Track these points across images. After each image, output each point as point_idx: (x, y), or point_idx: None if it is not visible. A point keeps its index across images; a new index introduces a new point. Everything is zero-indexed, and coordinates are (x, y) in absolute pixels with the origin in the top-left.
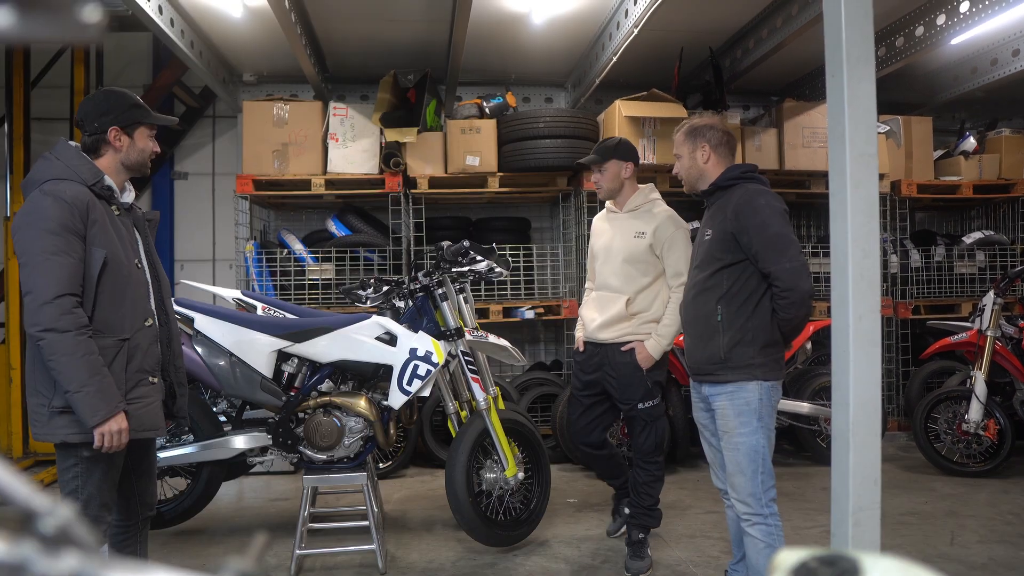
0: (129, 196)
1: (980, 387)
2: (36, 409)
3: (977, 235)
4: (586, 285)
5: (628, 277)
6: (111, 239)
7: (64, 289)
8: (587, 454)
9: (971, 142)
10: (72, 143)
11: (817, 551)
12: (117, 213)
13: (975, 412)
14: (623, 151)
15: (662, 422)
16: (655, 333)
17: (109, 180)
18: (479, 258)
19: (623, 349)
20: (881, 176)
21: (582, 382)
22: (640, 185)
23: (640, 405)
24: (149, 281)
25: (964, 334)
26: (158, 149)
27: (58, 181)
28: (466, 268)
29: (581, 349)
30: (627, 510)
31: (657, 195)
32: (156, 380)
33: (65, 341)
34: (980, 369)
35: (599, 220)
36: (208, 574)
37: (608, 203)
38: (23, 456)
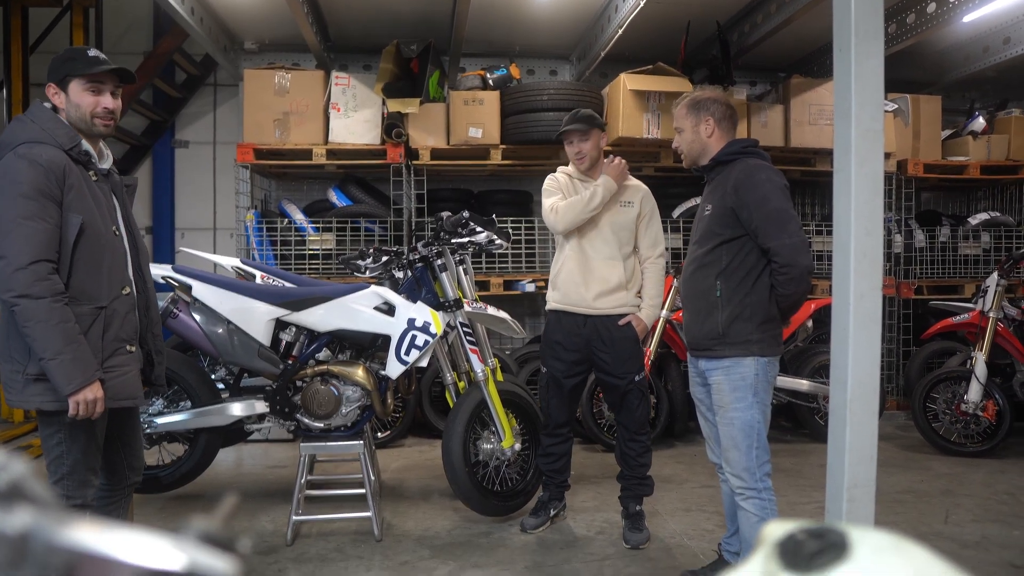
0: (107, 161)
1: (980, 368)
2: (10, 376)
3: (983, 216)
4: (556, 204)
5: (618, 245)
6: (88, 205)
7: (39, 255)
8: (558, 441)
9: (980, 122)
10: (47, 104)
11: (806, 523)
12: (95, 179)
13: (975, 393)
14: (599, 122)
15: (648, 391)
16: (646, 304)
17: (87, 145)
18: (479, 229)
19: (620, 323)
20: (887, 155)
21: (567, 363)
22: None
23: (636, 378)
24: (127, 248)
25: (966, 315)
26: (108, 104)
27: (33, 144)
28: (465, 239)
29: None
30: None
31: None
32: (134, 349)
33: (40, 308)
34: (981, 350)
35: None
36: (171, 534)
37: (573, 171)
38: (24, 420)
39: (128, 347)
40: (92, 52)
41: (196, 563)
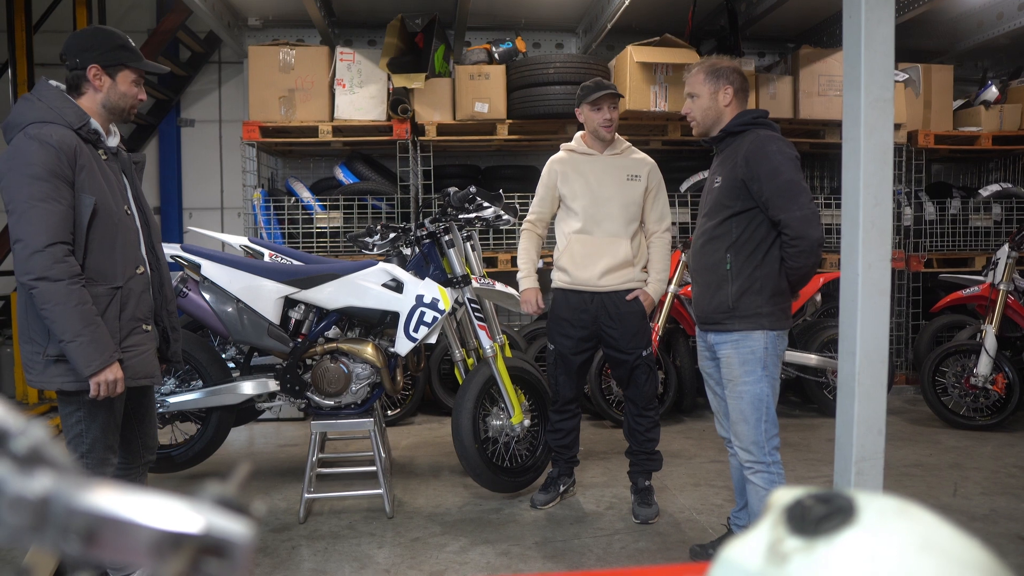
0: (115, 139)
1: (990, 341)
2: (31, 357)
3: (994, 188)
4: (526, 225)
5: (626, 221)
6: (100, 185)
7: (55, 237)
8: (566, 417)
9: (993, 91)
10: (53, 83)
11: (813, 489)
12: (104, 158)
13: (984, 366)
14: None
15: (656, 366)
16: (653, 278)
17: (95, 124)
18: (486, 204)
19: (628, 298)
20: (898, 126)
21: (574, 340)
22: None
23: (644, 353)
24: (139, 227)
25: (976, 288)
26: (143, 96)
27: (43, 124)
28: (473, 215)
29: (541, 305)
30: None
31: (628, 142)
32: (149, 328)
33: (58, 290)
34: (991, 323)
35: (563, 164)
36: (186, 498)
37: (577, 143)
38: (39, 402)
39: (144, 326)
40: (132, 42)
41: (213, 526)
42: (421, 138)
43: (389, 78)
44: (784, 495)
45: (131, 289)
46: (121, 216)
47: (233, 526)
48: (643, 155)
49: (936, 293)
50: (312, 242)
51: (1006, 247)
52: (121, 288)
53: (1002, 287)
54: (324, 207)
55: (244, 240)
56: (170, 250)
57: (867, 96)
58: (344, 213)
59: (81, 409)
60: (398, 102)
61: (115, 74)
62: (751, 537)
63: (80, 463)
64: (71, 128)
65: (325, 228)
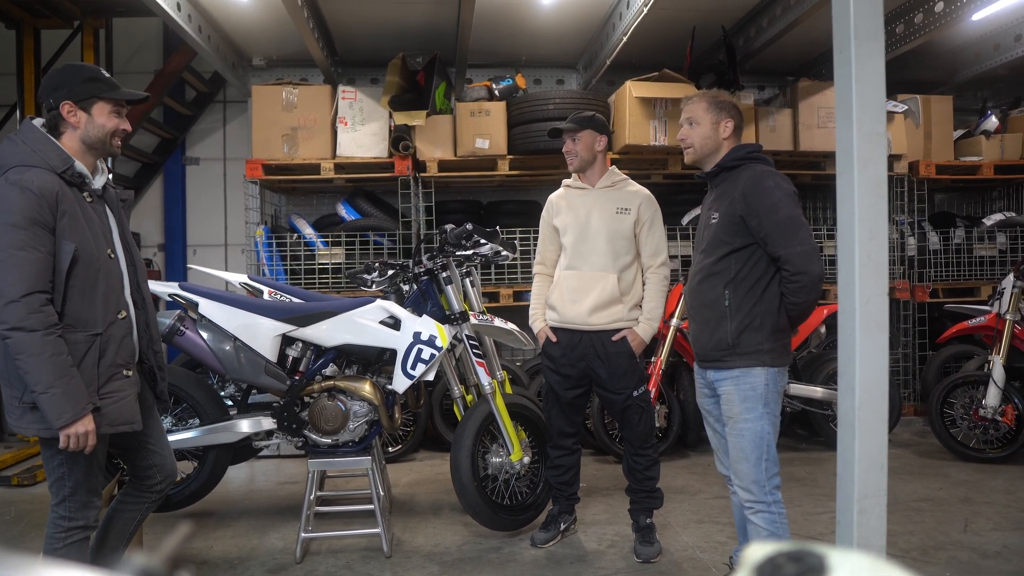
0: (101, 179)
1: (998, 372)
2: (9, 402)
3: (998, 217)
4: (536, 268)
5: (614, 255)
6: (82, 230)
7: (32, 287)
8: (564, 453)
9: (993, 121)
10: (38, 122)
11: (785, 546)
12: (89, 200)
13: (992, 397)
14: (598, 124)
15: (651, 405)
16: (644, 317)
17: (80, 166)
18: (483, 241)
19: (614, 339)
20: (898, 157)
21: (564, 376)
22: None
23: (635, 393)
24: (124, 270)
25: (982, 318)
26: (126, 127)
27: (25, 168)
28: (470, 251)
29: (555, 339)
30: (629, 505)
31: (625, 176)
32: (131, 373)
33: (32, 341)
34: (998, 353)
35: (560, 198)
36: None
37: (574, 180)
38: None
39: (125, 372)
40: (105, 73)
41: None
42: (423, 174)
43: (391, 115)
44: (757, 551)
45: (111, 335)
46: (104, 261)
47: None
48: (638, 188)
49: (942, 323)
50: (314, 278)
51: (1011, 276)
52: (101, 335)
53: (1008, 317)
54: (326, 243)
55: (244, 277)
56: (168, 289)
57: (859, 130)
58: (346, 249)
59: (61, 454)
60: (399, 139)
61: (89, 107)
62: None
63: (62, 507)
64: (54, 172)
65: (327, 264)
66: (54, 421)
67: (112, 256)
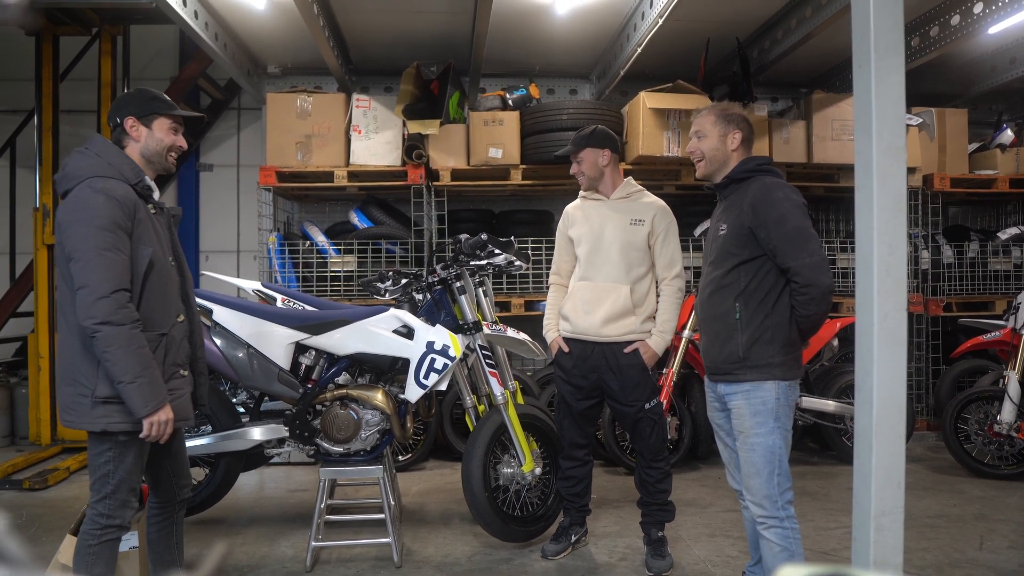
0: (157, 194)
1: (1013, 387)
2: (74, 399)
3: (1013, 231)
4: (552, 278)
5: (627, 267)
6: (152, 237)
7: (119, 284)
8: (575, 464)
9: (1008, 134)
10: (106, 139)
11: (818, 568)
12: (153, 211)
13: (1008, 413)
14: (597, 139)
15: (663, 417)
16: (657, 330)
17: (149, 180)
18: (497, 251)
19: (626, 351)
20: (913, 170)
21: (576, 387)
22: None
23: (647, 405)
24: (178, 277)
25: (997, 332)
26: (183, 144)
27: (106, 179)
28: (484, 261)
29: (567, 350)
30: (641, 518)
31: (641, 187)
32: (186, 373)
33: (121, 334)
34: (1014, 368)
35: (576, 209)
36: None
37: (588, 192)
38: (51, 443)
39: (182, 371)
40: (166, 96)
41: None
42: (435, 183)
43: (404, 124)
44: (792, 573)
45: (173, 336)
46: (167, 267)
47: None
48: (653, 199)
49: (956, 337)
50: (326, 286)
51: None
52: (166, 335)
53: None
54: (339, 251)
55: (257, 284)
56: None
57: (879, 144)
58: (359, 257)
59: (112, 449)
60: (413, 148)
61: (150, 123)
62: None
63: (102, 504)
64: (129, 183)
65: (339, 272)
66: (139, 410)
67: (172, 264)
